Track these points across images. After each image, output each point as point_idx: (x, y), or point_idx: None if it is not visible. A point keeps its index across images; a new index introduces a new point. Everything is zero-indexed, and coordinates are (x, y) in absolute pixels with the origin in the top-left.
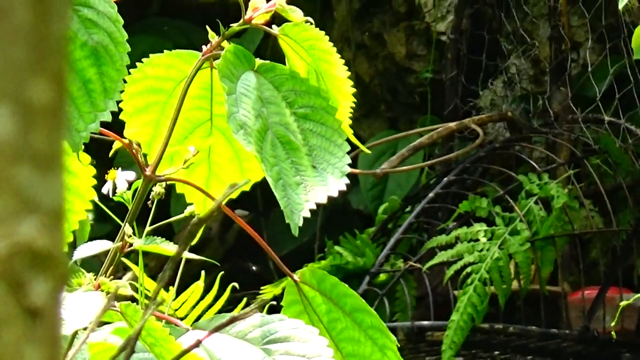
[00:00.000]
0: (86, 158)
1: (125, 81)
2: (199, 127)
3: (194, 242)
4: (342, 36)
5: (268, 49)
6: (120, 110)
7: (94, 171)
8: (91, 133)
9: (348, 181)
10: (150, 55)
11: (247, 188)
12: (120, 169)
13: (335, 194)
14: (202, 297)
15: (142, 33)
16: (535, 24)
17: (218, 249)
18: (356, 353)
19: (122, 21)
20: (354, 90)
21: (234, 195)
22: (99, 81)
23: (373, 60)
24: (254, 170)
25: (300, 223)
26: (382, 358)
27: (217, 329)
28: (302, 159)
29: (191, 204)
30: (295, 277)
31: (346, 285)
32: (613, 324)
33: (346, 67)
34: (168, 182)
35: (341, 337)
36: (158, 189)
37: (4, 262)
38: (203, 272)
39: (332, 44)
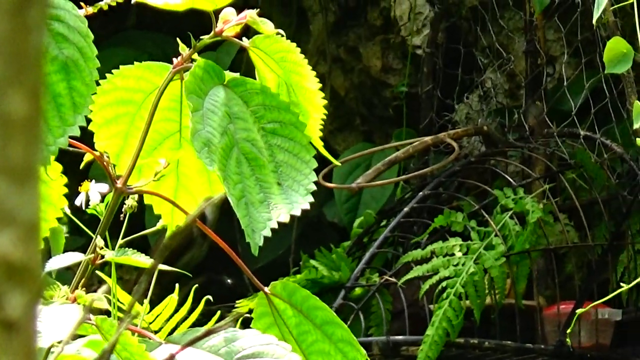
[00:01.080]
0: (58, 167)
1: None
2: (168, 138)
3: (180, 244)
4: (317, 50)
5: (243, 62)
6: (90, 121)
7: (65, 180)
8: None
9: (312, 199)
10: (120, 66)
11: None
12: (93, 181)
13: (298, 213)
14: (176, 310)
15: (119, 45)
16: (511, 38)
17: (202, 246)
18: None
19: (92, 36)
20: (325, 102)
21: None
22: (68, 96)
23: (348, 73)
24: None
25: (261, 242)
26: None
27: (190, 343)
28: (267, 175)
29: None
30: (266, 289)
31: (317, 298)
32: (569, 331)
33: (319, 80)
34: (141, 195)
35: (311, 349)
36: (131, 202)
37: None
38: (177, 285)
39: (305, 56)
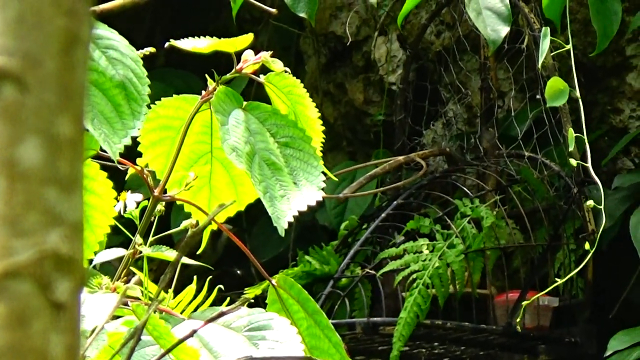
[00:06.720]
0: (108, 183)
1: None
2: (202, 157)
3: (197, 252)
4: (311, 85)
5: (251, 94)
6: (135, 142)
7: (115, 194)
8: (108, 161)
9: (324, 193)
10: (162, 98)
11: (242, 207)
12: (130, 191)
13: (313, 203)
14: (194, 297)
15: (151, 80)
16: (468, 76)
17: (210, 257)
18: (318, 347)
19: (141, 60)
20: (323, 128)
21: (232, 214)
22: (127, 105)
23: (337, 104)
24: (247, 194)
25: (286, 226)
26: (336, 353)
27: (210, 320)
28: (285, 177)
29: (187, 218)
30: (274, 281)
31: (307, 292)
32: (518, 320)
33: (316, 110)
34: (169, 201)
35: (306, 333)
36: (159, 207)
37: (35, 265)
38: (195, 277)
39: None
